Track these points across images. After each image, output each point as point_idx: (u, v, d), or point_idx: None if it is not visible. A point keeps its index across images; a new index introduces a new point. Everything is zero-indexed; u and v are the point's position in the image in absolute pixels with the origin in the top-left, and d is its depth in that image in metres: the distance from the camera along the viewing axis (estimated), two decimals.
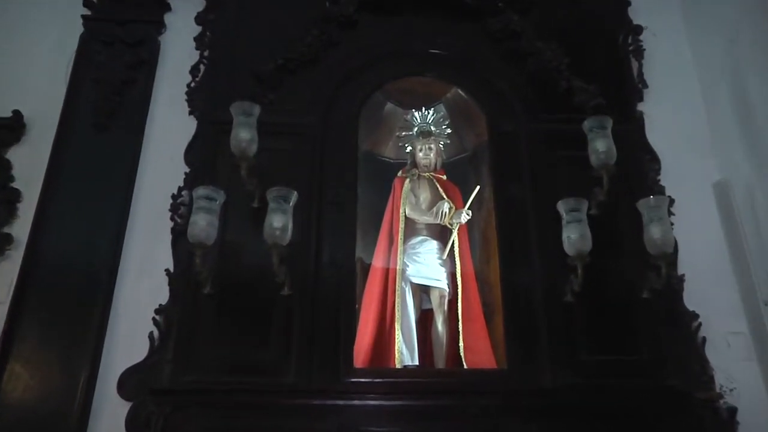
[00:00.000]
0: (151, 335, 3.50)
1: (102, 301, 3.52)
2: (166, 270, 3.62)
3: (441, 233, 3.99)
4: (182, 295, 3.54)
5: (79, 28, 4.11)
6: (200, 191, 3.32)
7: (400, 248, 3.87)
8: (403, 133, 4.26)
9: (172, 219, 3.74)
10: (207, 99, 4.01)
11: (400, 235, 3.91)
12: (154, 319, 3.52)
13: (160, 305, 3.55)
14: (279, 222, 3.29)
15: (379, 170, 4.31)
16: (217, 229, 3.34)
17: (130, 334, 3.51)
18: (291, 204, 3.35)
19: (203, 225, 3.26)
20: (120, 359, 3.45)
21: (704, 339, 3.53)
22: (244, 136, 3.45)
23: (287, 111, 3.95)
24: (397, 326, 3.66)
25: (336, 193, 3.76)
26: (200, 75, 4.11)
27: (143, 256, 3.70)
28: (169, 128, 4.00)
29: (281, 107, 3.94)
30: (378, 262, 3.86)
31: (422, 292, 3.86)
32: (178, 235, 3.66)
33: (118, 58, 4.07)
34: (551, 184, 3.79)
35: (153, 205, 3.80)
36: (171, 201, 3.77)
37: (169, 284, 3.59)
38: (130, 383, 3.38)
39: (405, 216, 3.96)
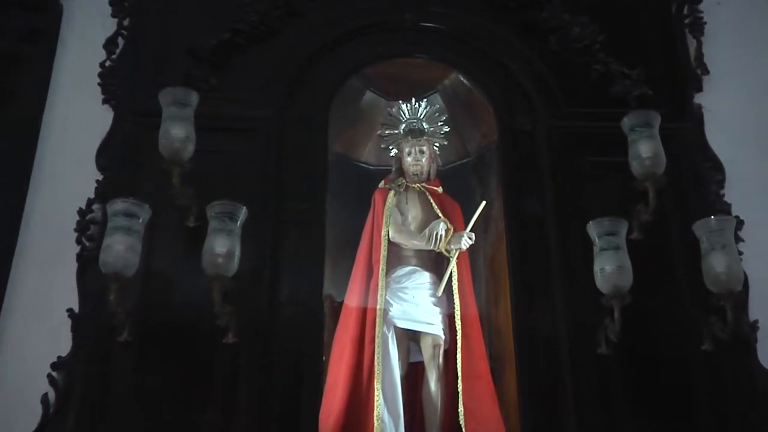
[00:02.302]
0: (45, 398, 3.50)
1: None
2: (69, 310, 3.64)
3: (435, 263, 4.00)
4: (90, 344, 3.56)
5: None
6: (117, 205, 3.35)
7: (381, 282, 3.88)
8: (387, 132, 4.25)
9: (78, 242, 3.77)
10: (127, 83, 4.06)
11: (382, 265, 3.91)
12: (50, 376, 3.54)
13: (58, 358, 3.57)
14: (222, 246, 3.33)
15: (355, 179, 4.33)
16: (140, 256, 3.38)
17: (17, 397, 3.52)
18: (239, 223, 3.39)
19: (120, 250, 3.28)
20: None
21: None
22: (176, 133, 3.49)
23: (234, 101, 4.00)
24: (376, 385, 3.64)
25: (298, 210, 3.82)
26: (118, 51, 4.16)
27: (37, 292, 3.72)
28: (75, 121, 4.05)
29: (227, 95, 3.99)
30: (353, 300, 3.87)
31: (410, 339, 3.87)
32: (86, 263, 3.70)
33: (7, 26, 4.10)
34: (579, 199, 3.85)
35: (52, 223, 3.83)
36: (77, 218, 3.80)
37: (72, 329, 3.61)
38: None
39: (388, 240, 3.96)
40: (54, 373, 3.54)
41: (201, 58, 4.02)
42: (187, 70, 3.95)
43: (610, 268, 3.40)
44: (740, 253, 3.54)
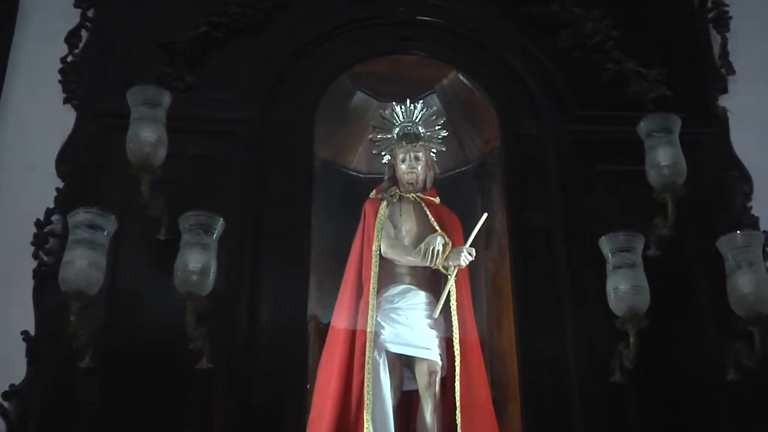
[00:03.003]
0: None
1: None
2: (23, 333, 3.63)
3: (432, 281, 4.01)
4: (47, 371, 3.55)
5: None
6: (79, 216, 3.33)
7: (372, 302, 3.88)
8: (379, 136, 4.26)
9: (35, 256, 3.76)
10: (91, 80, 4.07)
11: (373, 284, 3.91)
12: (0, 406, 3.52)
13: (11, 386, 3.55)
14: (197, 262, 3.33)
15: (343, 189, 4.36)
16: (104, 273, 3.36)
17: None
18: (215, 236, 3.40)
19: (83, 266, 3.27)
20: None
21: None
22: (147, 136, 3.49)
23: (212, 101, 4.01)
24: (366, 416, 3.63)
25: (280, 222, 3.82)
26: (81, 45, 4.16)
27: None
28: (33, 122, 4.06)
29: (203, 95, 4.01)
30: (340, 321, 3.87)
31: (404, 365, 3.87)
32: (44, 280, 3.69)
33: None
34: (591, 211, 3.87)
35: (5, 236, 3.83)
36: (34, 230, 3.80)
37: (27, 354, 3.60)
38: None
39: (380, 255, 3.98)
40: (5, 404, 3.51)
41: (175, 54, 4.01)
42: (159, 66, 3.95)
43: (624, 287, 3.39)
44: None
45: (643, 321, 3.37)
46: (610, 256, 3.47)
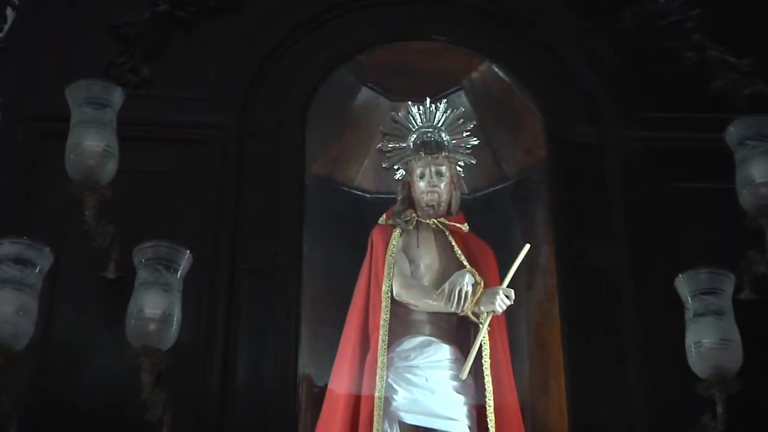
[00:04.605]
0: None
1: None
2: None
3: (458, 332, 4.01)
4: None
5: None
6: (4, 248, 3.31)
7: (381, 359, 3.85)
8: (391, 145, 4.27)
9: None
10: (20, 74, 4.06)
11: (382, 335, 3.89)
12: None
13: None
14: (155, 307, 3.29)
15: (344, 212, 4.35)
16: (36, 321, 3.32)
17: None
18: (179, 274, 3.37)
19: (8, 312, 3.23)
20: None
21: None
22: (91, 145, 3.45)
23: (175, 100, 4.01)
24: None
25: (263, 256, 3.80)
26: (6, 28, 4.12)
27: None
28: None
29: (164, 93, 4.01)
30: (340, 383, 3.86)
31: None
32: None
33: None
34: (664, 241, 3.85)
35: None
36: None
37: None
38: None
39: (391, 298, 3.96)
40: None
41: (128, 39, 4.01)
42: (108, 55, 3.95)
43: (709, 341, 3.36)
44: None
45: (734, 385, 3.33)
46: (690, 300, 3.43)
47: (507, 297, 3.87)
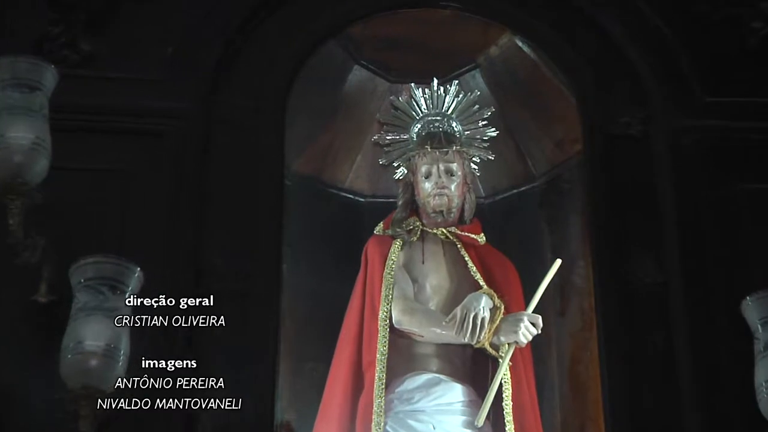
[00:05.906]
0: None
1: None
2: None
3: (473, 368, 3.99)
4: None
5: None
6: None
7: (377, 401, 3.82)
8: (390, 136, 4.25)
9: None
10: None
11: (379, 371, 3.87)
12: None
13: None
14: (98, 338, 3.22)
15: (332, 219, 4.33)
16: None
17: None
18: (127, 296, 3.29)
19: None
20: None
21: None
22: (17, 137, 3.38)
23: (125, 82, 3.98)
24: None
25: (234, 273, 3.75)
26: None
27: None
28: None
29: (111, 73, 3.97)
30: (328, 430, 3.85)
31: None
32: None
33: None
34: (728, 256, 3.83)
35: None
36: None
37: None
38: None
39: (390, 326, 3.93)
40: None
41: (65, 7, 3.95)
42: (41, 25, 3.91)
43: None
44: None
45: None
46: (760, 328, 3.39)
47: (533, 325, 3.78)
